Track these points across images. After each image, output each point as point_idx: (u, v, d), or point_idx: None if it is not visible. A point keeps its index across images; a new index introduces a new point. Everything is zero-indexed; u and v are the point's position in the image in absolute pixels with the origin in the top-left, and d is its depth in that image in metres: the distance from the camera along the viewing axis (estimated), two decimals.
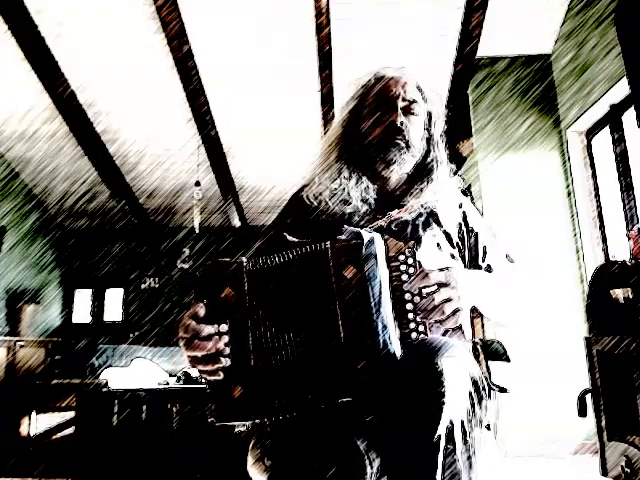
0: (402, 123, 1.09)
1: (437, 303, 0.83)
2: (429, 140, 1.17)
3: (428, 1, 3.41)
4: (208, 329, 0.84)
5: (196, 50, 3.78)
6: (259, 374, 0.84)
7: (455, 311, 0.85)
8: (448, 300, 0.84)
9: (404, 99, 1.12)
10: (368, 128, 1.12)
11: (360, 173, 1.12)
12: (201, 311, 0.86)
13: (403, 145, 1.09)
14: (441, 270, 0.86)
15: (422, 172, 1.15)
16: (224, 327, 0.85)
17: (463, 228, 1.12)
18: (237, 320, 0.86)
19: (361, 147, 1.13)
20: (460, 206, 1.15)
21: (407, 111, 1.11)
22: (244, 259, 0.89)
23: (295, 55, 3.83)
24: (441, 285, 0.84)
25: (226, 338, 0.84)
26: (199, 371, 0.86)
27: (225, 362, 0.84)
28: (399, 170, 1.12)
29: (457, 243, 1.10)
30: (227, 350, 0.84)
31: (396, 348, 0.81)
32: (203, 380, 0.86)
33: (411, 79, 1.14)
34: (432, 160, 1.15)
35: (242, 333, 0.85)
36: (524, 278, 1.13)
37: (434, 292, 0.83)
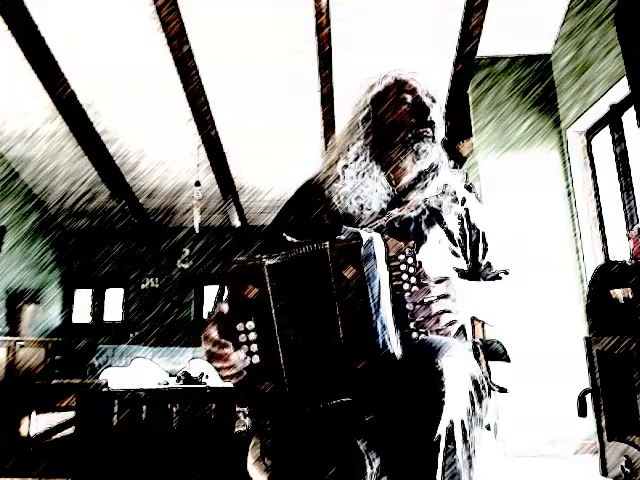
0: (432, 119, 1.13)
1: (434, 314, 0.84)
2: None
3: (428, 1, 3.41)
4: (234, 328, 0.85)
5: (196, 50, 3.78)
6: (289, 369, 0.84)
7: (451, 323, 0.86)
8: (447, 312, 0.86)
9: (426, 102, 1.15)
10: (399, 122, 1.13)
11: (383, 170, 1.12)
12: (225, 310, 0.87)
13: (431, 138, 1.13)
14: (441, 281, 0.87)
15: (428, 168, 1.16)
16: (250, 324, 0.85)
17: (465, 225, 1.13)
18: (264, 316, 0.86)
19: (389, 138, 1.14)
20: (463, 203, 1.16)
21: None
22: (264, 256, 0.88)
23: (295, 55, 3.83)
24: (440, 297, 0.86)
25: (252, 335, 0.85)
26: (221, 368, 0.86)
27: (253, 359, 0.84)
28: (423, 163, 1.13)
29: (459, 240, 1.11)
30: (254, 347, 0.85)
31: (395, 348, 0.81)
32: (227, 380, 0.86)
33: (425, 87, 1.18)
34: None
35: (270, 328, 0.85)
36: (520, 284, 1.14)
37: (432, 303, 0.85)
